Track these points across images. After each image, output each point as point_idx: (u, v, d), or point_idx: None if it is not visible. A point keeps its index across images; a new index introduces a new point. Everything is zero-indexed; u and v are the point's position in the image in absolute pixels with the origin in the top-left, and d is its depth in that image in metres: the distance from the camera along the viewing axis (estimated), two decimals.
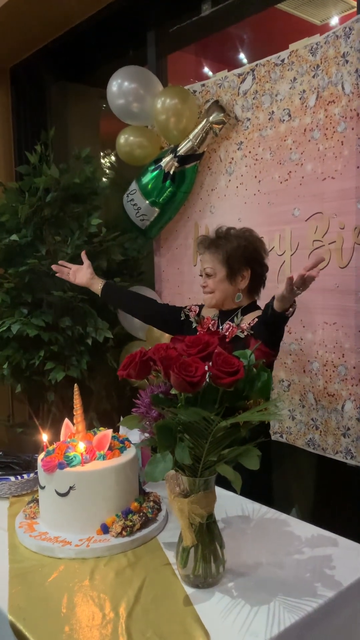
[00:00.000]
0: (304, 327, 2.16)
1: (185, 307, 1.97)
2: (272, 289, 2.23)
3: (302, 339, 2.17)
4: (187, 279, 2.76)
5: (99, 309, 2.76)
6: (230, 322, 1.78)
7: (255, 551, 1.32)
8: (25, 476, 1.68)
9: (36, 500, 1.50)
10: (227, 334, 1.71)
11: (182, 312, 1.95)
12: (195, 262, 2.68)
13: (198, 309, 1.93)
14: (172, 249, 2.82)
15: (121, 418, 1.72)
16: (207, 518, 1.17)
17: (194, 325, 1.88)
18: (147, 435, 1.15)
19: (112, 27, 3.06)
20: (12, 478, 1.67)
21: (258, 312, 1.80)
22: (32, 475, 1.69)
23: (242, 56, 3.13)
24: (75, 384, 1.48)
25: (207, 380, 1.05)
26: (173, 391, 1.07)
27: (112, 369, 2.94)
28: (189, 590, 1.17)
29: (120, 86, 2.61)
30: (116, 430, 1.57)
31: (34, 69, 3.66)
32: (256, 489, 1.57)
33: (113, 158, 3.80)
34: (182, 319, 1.93)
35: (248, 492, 1.52)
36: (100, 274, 2.79)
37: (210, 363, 1.05)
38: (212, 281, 1.80)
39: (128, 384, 3.07)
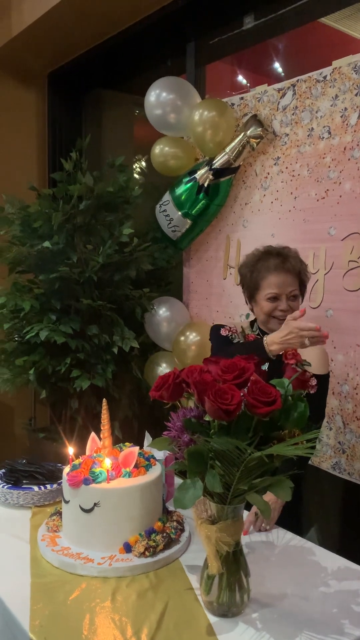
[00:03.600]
0: (335, 348, 2.12)
1: (223, 327, 1.78)
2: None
3: (332, 360, 2.13)
4: (216, 292, 2.74)
5: (125, 318, 2.76)
6: None
7: (280, 581, 1.29)
8: (48, 487, 1.68)
9: (59, 513, 1.50)
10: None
11: (229, 336, 1.76)
12: (226, 276, 2.66)
13: (240, 328, 1.79)
14: (202, 260, 2.81)
15: (147, 434, 1.72)
16: (234, 546, 1.15)
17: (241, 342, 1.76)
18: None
19: (151, 37, 3.06)
20: (36, 488, 1.67)
21: None
22: (55, 485, 1.69)
23: (281, 70, 3.11)
24: (104, 400, 1.47)
25: (242, 407, 1.03)
26: (207, 417, 1.05)
27: (136, 378, 2.93)
28: (212, 618, 1.15)
29: (158, 96, 2.61)
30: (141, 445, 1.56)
31: (71, 76, 3.69)
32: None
33: (144, 164, 3.80)
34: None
35: None
36: (129, 283, 2.80)
37: (246, 390, 1.03)
38: (297, 303, 1.73)
39: None
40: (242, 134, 2.41)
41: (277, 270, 1.70)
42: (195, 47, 2.92)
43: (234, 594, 1.16)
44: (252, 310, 1.81)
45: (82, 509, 1.35)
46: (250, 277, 1.76)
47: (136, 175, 3.80)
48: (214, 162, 2.50)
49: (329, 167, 2.13)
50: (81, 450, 1.54)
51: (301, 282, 1.75)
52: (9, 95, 3.60)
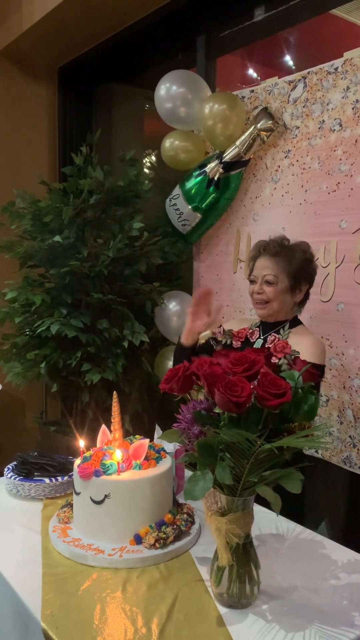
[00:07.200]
0: (346, 342, 2.11)
1: (209, 338, 1.82)
2: (313, 302, 2.20)
3: (343, 354, 2.12)
4: (226, 286, 2.73)
5: (136, 312, 2.76)
6: (275, 334, 1.74)
7: (290, 573, 1.30)
8: (59, 479, 1.69)
9: (70, 505, 1.51)
10: (270, 345, 1.67)
11: (211, 341, 1.79)
12: (236, 270, 2.66)
13: (222, 329, 1.81)
14: (212, 255, 2.80)
15: (157, 427, 1.73)
16: (244, 538, 1.15)
17: (228, 342, 1.77)
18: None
19: (161, 30, 3.05)
20: (47, 480, 1.68)
21: (302, 330, 1.77)
22: (66, 478, 1.70)
23: (291, 62, 3.09)
24: (115, 392, 1.48)
25: (252, 400, 1.03)
26: (217, 410, 1.05)
27: (146, 372, 2.94)
28: (222, 610, 1.16)
29: (169, 90, 2.60)
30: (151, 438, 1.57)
31: (82, 70, 3.69)
32: (288, 503, 1.53)
33: (154, 158, 3.80)
34: (215, 346, 1.79)
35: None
36: (139, 277, 2.81)
37: (256, 382, 1.03)
38: (272, 289, 1.70)
39: None
40: (253, 127, 2.39)
41: (259, 254, 1.77)
42: (206, 40, 2.91)
43: (244, 586, 1.16)
44: None
45: (92, 500, 1.36)
46: (250, 265, 1.84)
47: (146, 170, 3.79)
48: (224, 155, 2.49)
49: (340, 159, 2.11)
50: (92, 443, 1.55)
51: (293, 275, 1.71)
52: (20, 90, 3.61)
